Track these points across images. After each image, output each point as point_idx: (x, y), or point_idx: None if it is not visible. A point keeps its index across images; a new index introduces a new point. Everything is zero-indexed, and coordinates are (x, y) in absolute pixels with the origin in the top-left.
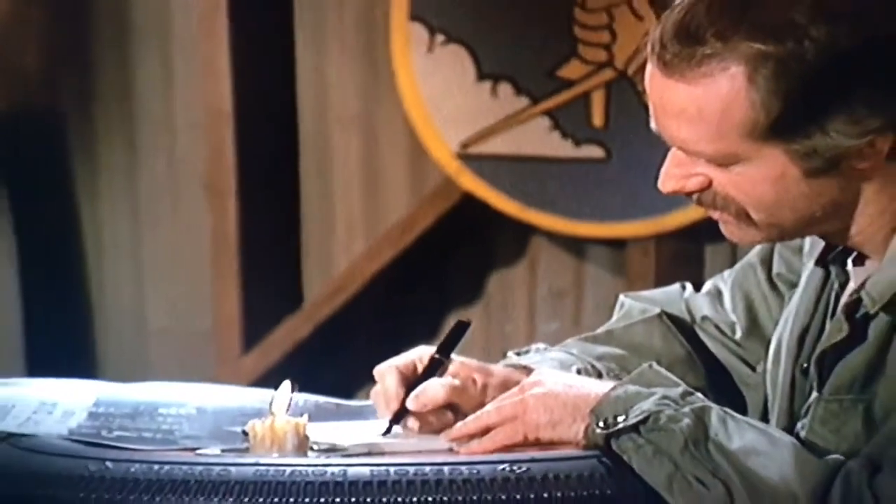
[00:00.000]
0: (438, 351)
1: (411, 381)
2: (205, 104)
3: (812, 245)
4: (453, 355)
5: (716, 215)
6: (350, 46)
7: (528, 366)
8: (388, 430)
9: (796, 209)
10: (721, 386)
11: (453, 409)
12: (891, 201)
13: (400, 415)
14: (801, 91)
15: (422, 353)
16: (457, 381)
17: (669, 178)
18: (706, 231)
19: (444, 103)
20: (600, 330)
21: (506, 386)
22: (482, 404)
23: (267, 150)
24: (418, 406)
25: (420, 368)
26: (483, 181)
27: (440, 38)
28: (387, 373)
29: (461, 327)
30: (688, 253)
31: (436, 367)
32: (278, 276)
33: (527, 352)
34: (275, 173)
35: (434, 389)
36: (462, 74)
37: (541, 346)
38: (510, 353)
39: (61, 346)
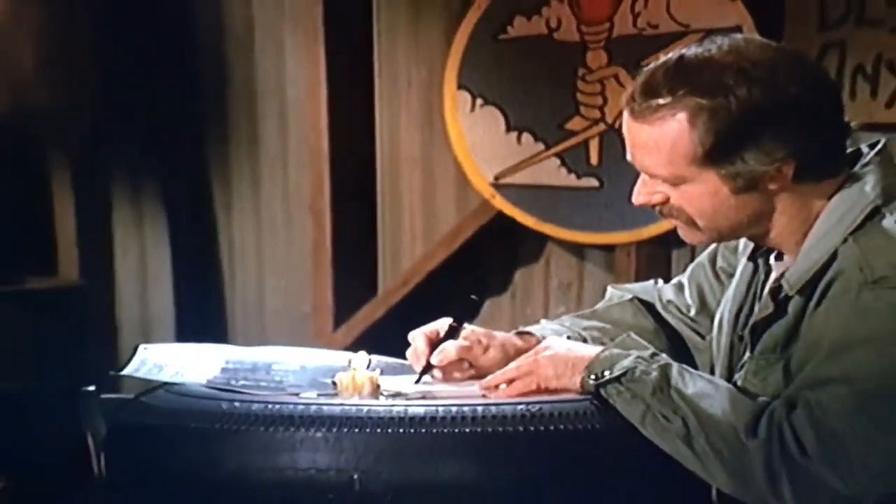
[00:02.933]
0: (455, 320)
1: (435, 343)
2: (309, 149)
3: (745, 246)
4: (466, 324)
5: (673, 222)
6: (415, 108)
7: (531, 332)
8: (419, 380)
9: (728, 218)
10: (680, 351)
11: (469, 364)
12: (799, 212)
13: (426, 368)
14: (726, 131)
15: (443, 323)
16: (466, 343)
17: (639, 194)
18: (673, 240)
19: (483, 148)
20: (587, 310)
21: (504, 346)
22: (486, 359)
23: (354, 182)
24: (438, 361)
25: (441, 334)
26: (511, 203)
27: (480, 101)
28: (417, 337)
29: (472, 304)
30: (659, 255)
31: (453, 332)
32: (360, 272)
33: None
34: (359, 199)
35: (448, 348)
36: (495, 127)
37: (543, 321)
38: (520, 328)
39: (202, 322)
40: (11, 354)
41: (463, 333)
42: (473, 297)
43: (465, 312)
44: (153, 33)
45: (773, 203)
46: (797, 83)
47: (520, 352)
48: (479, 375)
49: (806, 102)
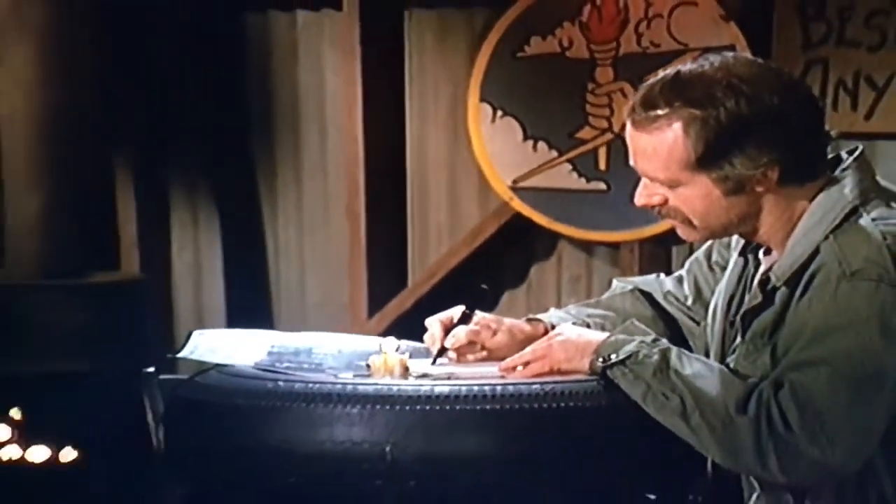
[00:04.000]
0: (468, 308)
1: (449, 328)
2: (346, 156)
3: (737, 242)
4: (478, 311)
5: (672, 222)
6: (441, 119)
7: (539, 319)
8: (434, 361)
9: (720, 217)
10: (676, 337)
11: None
12: (784, 212)
13: (441, 351)
14: (716, 139)
15: (457, 310)
16: (476, 328)
17: (640, 196)
18: (672, 238)
19: (502, 155)
20: (592, 300)
21: (512, 331)
22: (494, 342)
23: (386, 186)
24: (451, 344)
25: (455, 320)
26: (527, 205)
27: (500, 113)
28: (433, 323)
29: (482, 292)
30: (660, 252)
31: (465, 318)
32: (392, 267)
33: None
34: (391, 200)
35: (460, 333)
36: (514, 136)
37: (551, 309)
38: (529, 315)
39: (250, 312)
40: (81, 341)
41: (474, 319)
42: (483, 286)
43: (478, 301)
44: (209, 55)
45: (761, 204)
46: (780, 96)
47: (527, 336)
48: (489, 357)
49: (788, 113)
